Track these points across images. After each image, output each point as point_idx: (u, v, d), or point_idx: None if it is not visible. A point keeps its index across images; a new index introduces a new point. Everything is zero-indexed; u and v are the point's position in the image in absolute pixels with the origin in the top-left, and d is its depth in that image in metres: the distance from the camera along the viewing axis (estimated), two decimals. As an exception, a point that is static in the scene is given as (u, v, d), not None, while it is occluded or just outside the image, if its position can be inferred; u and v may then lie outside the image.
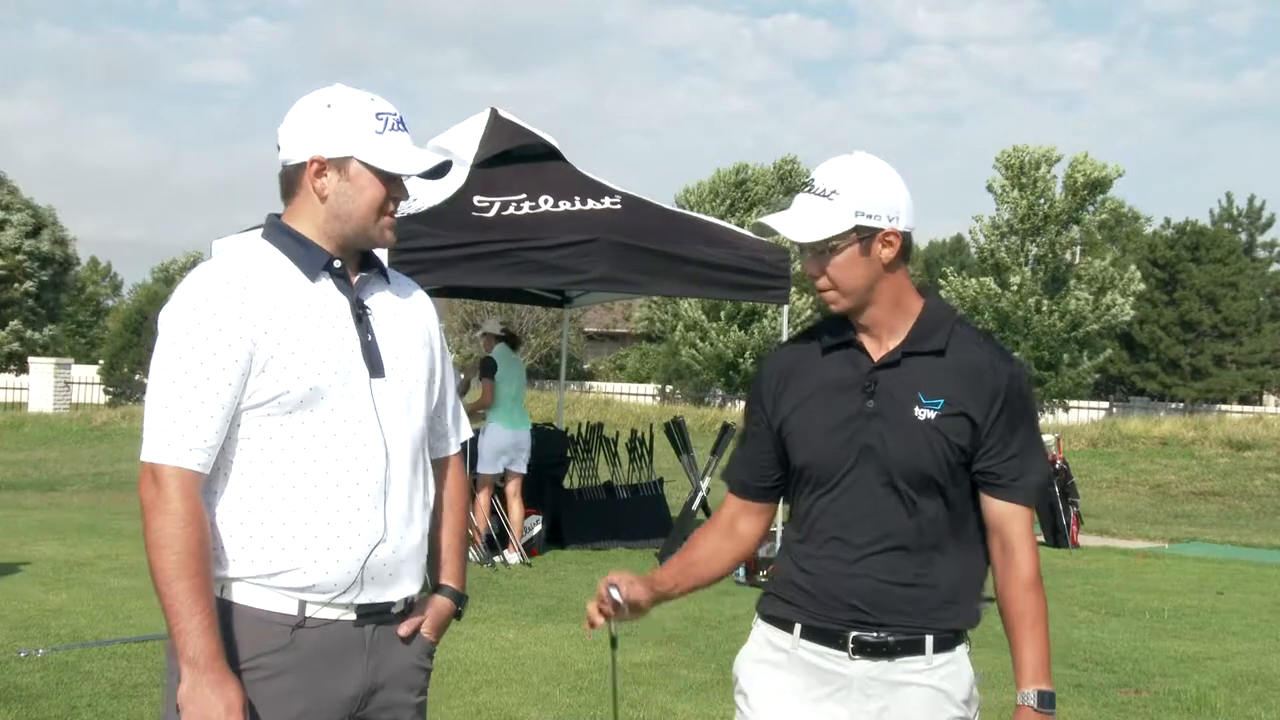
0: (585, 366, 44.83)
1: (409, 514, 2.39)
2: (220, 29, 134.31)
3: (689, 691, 6.18)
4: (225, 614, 2.25)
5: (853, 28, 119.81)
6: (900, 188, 2.40)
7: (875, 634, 2.37)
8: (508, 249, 9.17)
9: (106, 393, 36.21)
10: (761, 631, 2.52)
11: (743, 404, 2.63)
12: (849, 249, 2.36)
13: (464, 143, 10.03)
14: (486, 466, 10.37)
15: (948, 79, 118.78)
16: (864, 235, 2.35)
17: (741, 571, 9.46)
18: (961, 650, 2.43)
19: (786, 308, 11.42)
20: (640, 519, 11.76)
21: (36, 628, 7.20)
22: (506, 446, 10.42)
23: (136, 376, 35.18)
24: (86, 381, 35.90)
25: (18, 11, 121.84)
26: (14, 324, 44.31)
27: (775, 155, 52.81)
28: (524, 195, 9.65)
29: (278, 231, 2.39)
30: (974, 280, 34.95)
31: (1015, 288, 34.07)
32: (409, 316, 2.48)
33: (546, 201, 9.65)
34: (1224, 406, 37.84)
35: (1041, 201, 34.84)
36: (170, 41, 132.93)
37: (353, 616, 2.34)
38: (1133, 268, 35.97)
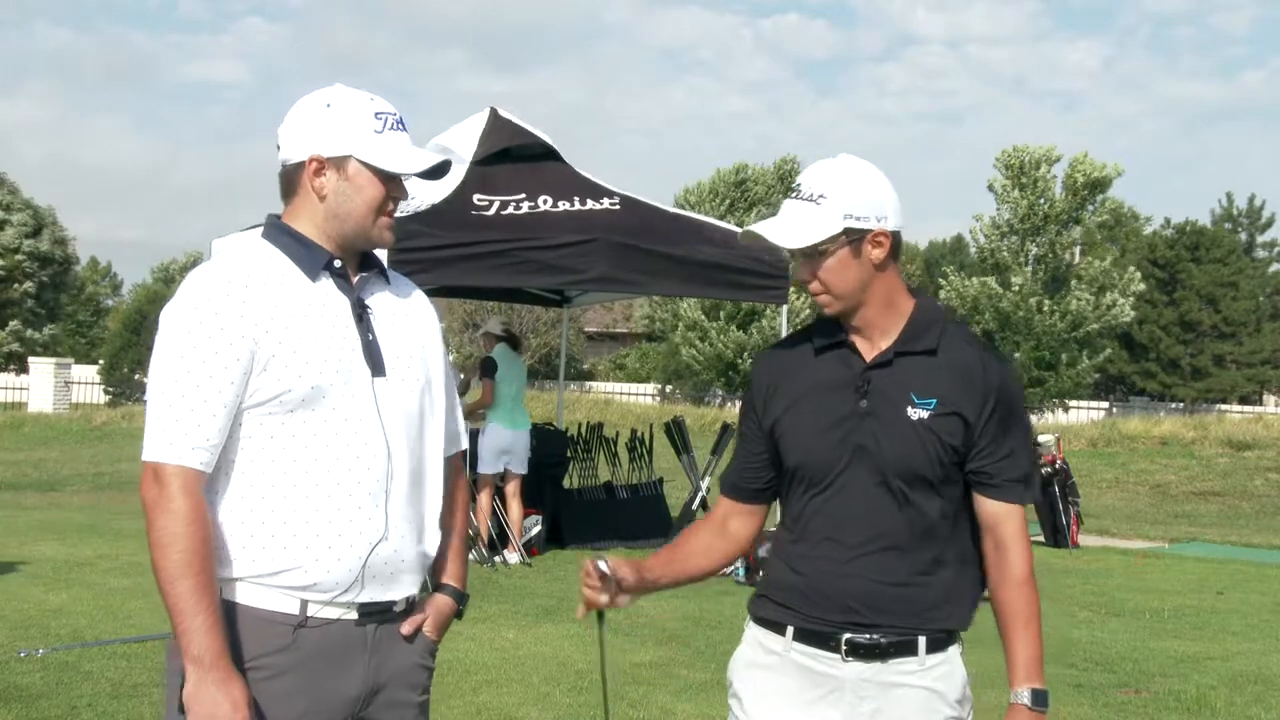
0: (585, 366, 44.83)
1: (410, 513, 2.39)
2: (220, 29, 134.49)
3: (689, 691, 6.18)
4: (227, 614, 2.25)
5: (853, 28, 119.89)
6: (887, 188, 2.40)
7: (868, 635, 2.37)
8: (507, 249, 9.17)
9: (106, 393, 36.21)
10: (754, 634, 2.52)
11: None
12: (840, 252, 2.36)
13: (463, 141, 10.03)
14: (486, 467, 10.37)
15: (948, 79, 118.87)
16: (854, 237, 2.35)
17: (742, 571, 9.47)
18: (954, 651, 2.43)
19: (785, 307, 11.43)
20: (640, 519, 11.76)
21: (36, 628, 7.20)
22: (506, 446, 10.42)
23: (136, 376, 35.17)
24: (86, 381, 35.89)
25: (18, 11, 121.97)
26: (14, 324, 44.32)
27: (775, 155, 52.86)
28: (523, 195, 9.66)
29: (278, 231, 2.39)
30: (975, 280, 34.97)
31: (1017, 288, 34.08)
32: (409, 317, 2.48)
33: (545, 202, 9.65)
34: (1224, 406, 37.83)
35: (1042, 201, 34.87)
36: (170, 41, 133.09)
37: (354, 616, 2.34)
38: (1132, 268, 35.99)
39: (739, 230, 10.92)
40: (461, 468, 2.66)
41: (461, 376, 10.77)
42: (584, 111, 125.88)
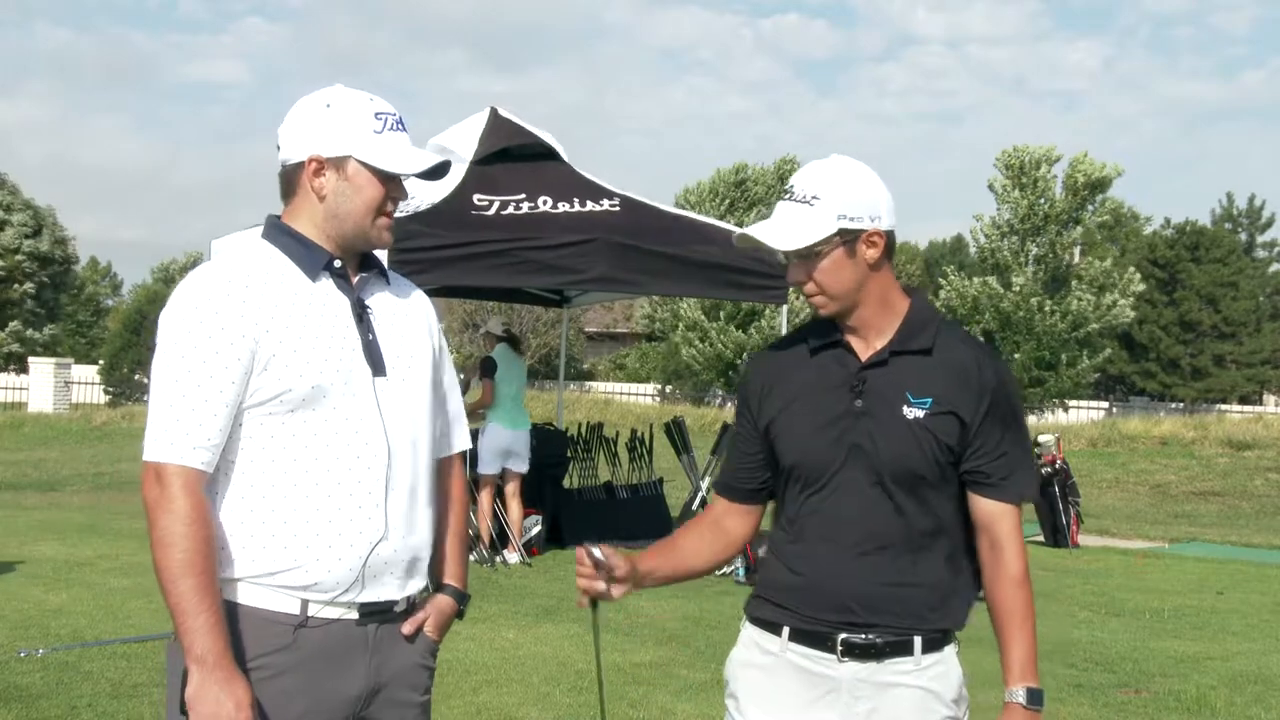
0: (585, 366, 44.84)
1: (411, 512, 2.39)
2: (220, 29, 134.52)
3: (689, 691, 6.18)
4: (228, 614, 2.25)
5: (853, 28, 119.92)
6: (879, 187, 2.40)
7: (864, 636, 2.37)
8: (506, 249, 9.17)
9: (106, 393, 36.20)
10: (750, 634, 2.51)
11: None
12: (834, 252, 2.36)
13: (463, 141, 10.03)
14: (486, 467, 10.36)
15: (948, 79, 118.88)
16: (848, 238, 2.36)
17: (742, 571, 9.47)
18: (950, 650, 2.43)
19: (785, 307, 11.43)
20: (640, 519, 11.76)
21: (36, 628, 7.20)
22: (506, 447, 10.42)
23: (136, 376, 35.17)
24: (86, 381, 35.89)
25: (18, 11, 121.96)
26: (14, 325, 44.32)
27: (775, 155, 52.82)
28: (523, 195, 9.66)
29: (278, 231, 2.39)
30: (977, 280, 34.97)
31: (1018, 288, 34.09)
32: (409, 317, 2.48)
33: (546, 202, 9.65)
34: (1224, 406, 37.83)
35: (1042, 201, 34.87)
36: (170, 41, 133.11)
37: (355, 615, 2.34)
38: (1132, 269, 36.00)
39: (737, 231, 10.92)
40: (462, 468, 2.66)
41: (461, 376, 10.76)
42: (584, 111, 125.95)
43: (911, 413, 2.35)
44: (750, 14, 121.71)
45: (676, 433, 12.14)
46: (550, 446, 11.64)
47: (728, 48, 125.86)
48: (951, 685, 2.41)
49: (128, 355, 36.82)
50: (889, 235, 2.40)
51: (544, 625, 7.78)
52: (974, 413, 2.36)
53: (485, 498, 10.39)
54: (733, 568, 9.81)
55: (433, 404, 2.48)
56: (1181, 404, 39.95)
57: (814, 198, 2.36)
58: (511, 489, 10.54)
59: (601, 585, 2.37)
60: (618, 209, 9.91)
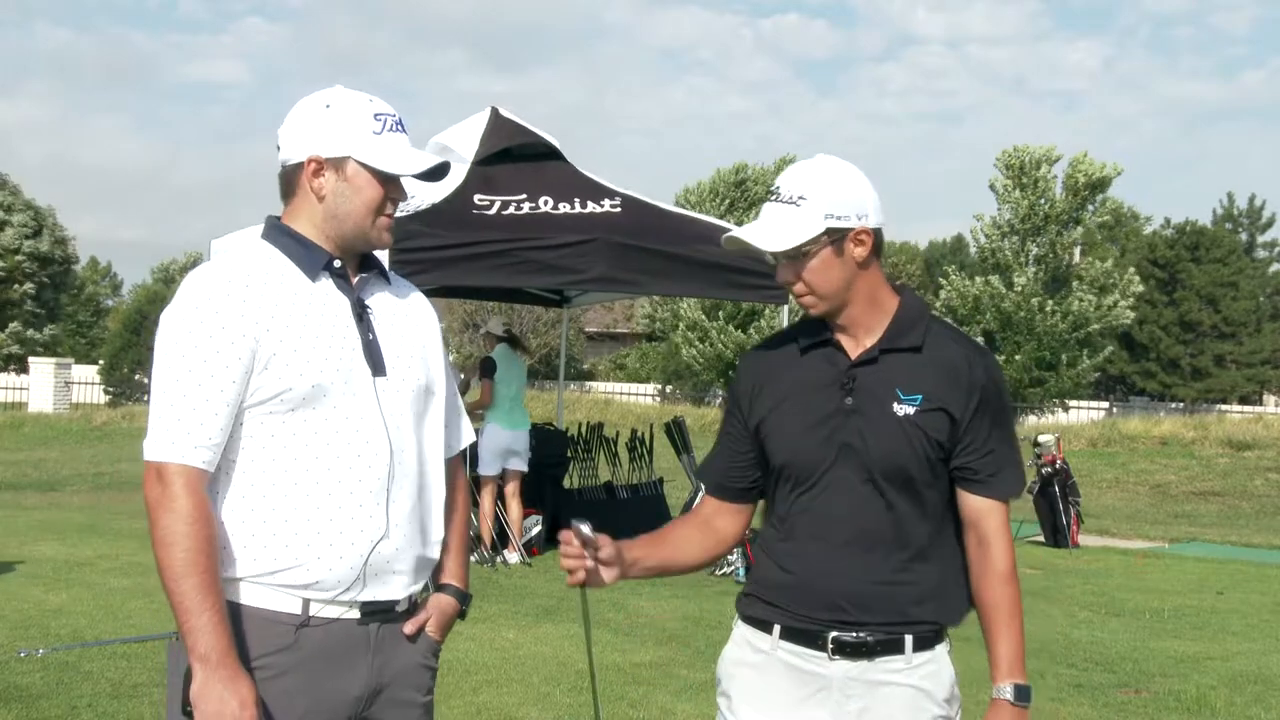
0: (585, 366, 44.84)
1: (412, 512, 2.39)
2: (220, 29, 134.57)
3: (689, 691, 6.18)
4: (230, 614, 2.24)
5: (853, 28, 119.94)
6: (866, 186, 2.40)
7: (854, 634, 2.37)
8: (507, 249, 9.17)
9: (106, 393, 36.20)
10: (741, 633, 2.51)
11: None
12: (822, 252, 2.36)
13: (464, 140, 10.02)
14: (487, 468, 10.36)
15: (948, 79, 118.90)
16: (835, 237, 2.36)
17: (741, 571, 9.48)
18: (942, 649, 2.43)
19: (786, 307, 11.43)
20: (640, 519, 11.66)
21: (36, 628, 7.20)
22: (505, 447, 10.42)
23: (137, 376, 35.18)
24: (86, 381, 35.88)
25: (18, 11, 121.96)
26: (14, 326, 44.32)
27: (775, 155, 52.78)
28: (524, 195, 9.65)
29: (277, 232, 2.40)
30: (979, 279, 34.97)
31: (1019, 288, 34.10)
32: (409, 317, 2.49)
33: (547, 203, 9.65)
34: (1224, 406, 37.84)
35: (1042, 201, 34.88)
36: (170, 41, 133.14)
37: (356, 615, 2.34)
38: (1131, 270, 36.02)
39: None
40: (463, 469, 2.66)
41: (461, 376, 10.77)
42: (584, 111, 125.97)
43: (902, 410, 2.36)
44: (750, 14, 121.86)
45: (677, 433, 12.15)
46: (550, 446, 11.64)
47: (728, 48, 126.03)
48: (943, 684, 2.41)
49: (128, 355, 36.84)
50: (877, 233, 2.40)
51: (544, 625, 7.79)
52: (964, 409, 2.36)
53: (487, 498, 10.39)
54: (732, 568, 9.82)
55: (433, 404, 2.48)
56: (1181, 404, 39.96)
57: (800, 198, 2.36)
58: (511, 489, 10.54)
59: (589, 564, 2.34)
60: (619, 209, 9.91)
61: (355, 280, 2.42)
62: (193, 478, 2.21)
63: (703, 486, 2.63)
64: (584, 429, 12.97)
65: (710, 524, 2.59)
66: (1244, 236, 49.52)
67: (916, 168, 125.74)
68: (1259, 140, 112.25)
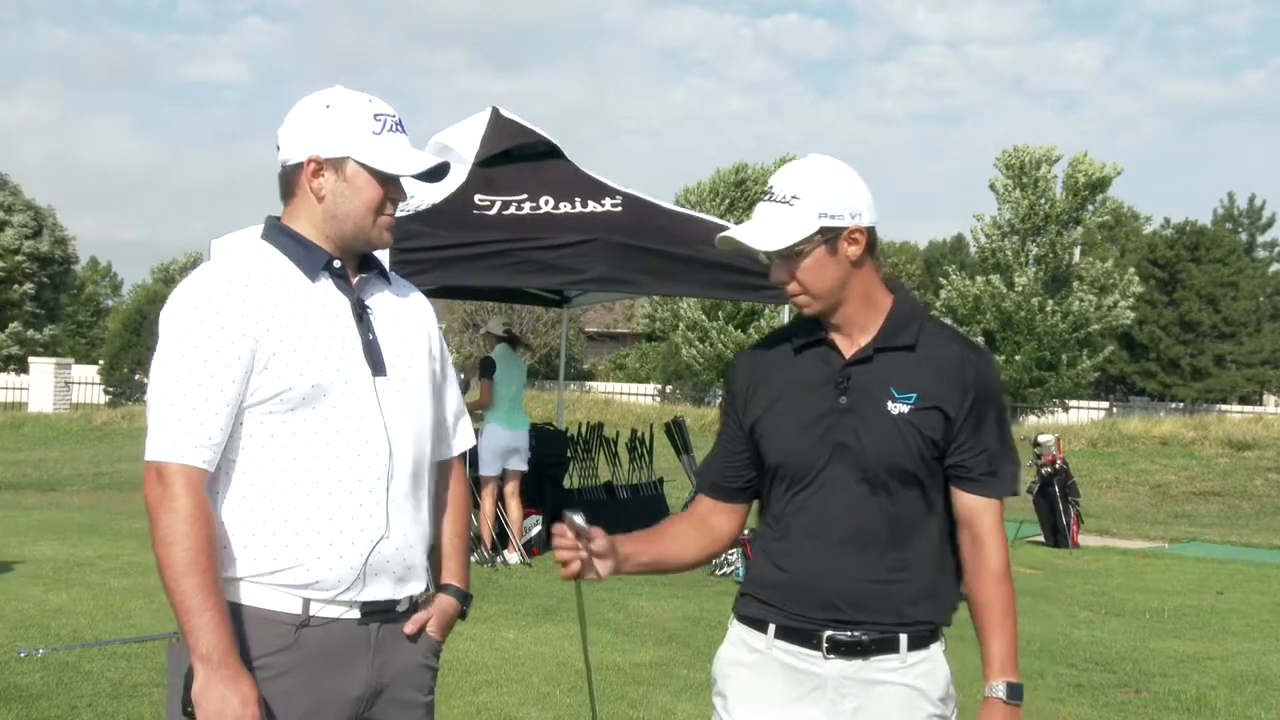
0: (585, 366, 44.85)
1: (412, 512, 2.39)
2: (220, 29, 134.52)
3: (689, 691, 6.18)
4: (230, 614, 2.24)
5: (853, 28, 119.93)
6: (859, 185, 2.41)
7: (849, 633, 2.37)
8: (507, 249, 9.17)
9: (106, 393, 36.20)
10: (737, 632, 2.51)
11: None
12: (816, 251, 2.37)
13: (465, 141, 10.02)
14: (487, 468, 10.36)
15: (948, 79, 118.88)
16: (829, 236, 2.36)
17: (741, 571, 9.47)
18: (936, 648, 2.43)
19: (786, 308, 11.42)
20: (640, 519, 11.52)
21: (36, 628, 7.20)
22: (505, 447, 10.42)
23: (136, 376, 35.16)
24: (86, 381, 35.89)
25: (18, 11, 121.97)
26: (14, 326, 44.32)
27: (775, 155, 52.77)
28: (525, 195, 9.65)
29: (277, 233, 2.40)
30: (980, 279, 34.98)
31: (1020, 288, 34.11)
32: (409, 317, 2.49)
33: (547, 203, 9.64)
34: (1224, 406, 37.85)
35: (1042, 201, 34.90)
36: (170, 41, 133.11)
37: (357, 615, 2.34)
38: (1131, 270, 36.03)
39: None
40: (463, 469, 2.66)
41: (461, 376, 10.77)
42: (584, 111, 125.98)
43: (896, 408, 2.36)
44: (750, 14, 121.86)
45: (676, 433, 12.15)
46: (550, 446, 11.64)
47: (728, 48, 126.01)
48: (938, 683, 2.41)
49: (128, 355, 36.83)
50: (870, 232, 2.41)
51: (544, 625, 7.79)
52: (958, 407, 2.36)
53: (487, 499, 10.39)
54: (732, 568, 9.82)
55: (433, 404, 2.48)
56: (1181, 404, 39.96)
57: (794, 197, 2.36)
58: (511, 489, 10.54)
59: (583, 554, 2.35)
60: (620, 208, 9.90)
61: (355, 280, 2.42)
62: (193, 477, 2.21)
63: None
64: (584, 429, 12.97)
65: (705, 522, 2.59)
66: (1244, 236, 49.52)
67: (916, 168, 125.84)
68: (1259, 140, 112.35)
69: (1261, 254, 50.25)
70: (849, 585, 2.37)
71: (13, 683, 5.91)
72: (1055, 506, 12.86)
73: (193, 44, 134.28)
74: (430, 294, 2.69)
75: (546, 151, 10.28)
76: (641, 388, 39.45)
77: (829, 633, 2.37)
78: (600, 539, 2.37)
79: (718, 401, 34.83)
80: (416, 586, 2.44)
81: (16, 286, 44.45)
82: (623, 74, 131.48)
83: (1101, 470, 20.63)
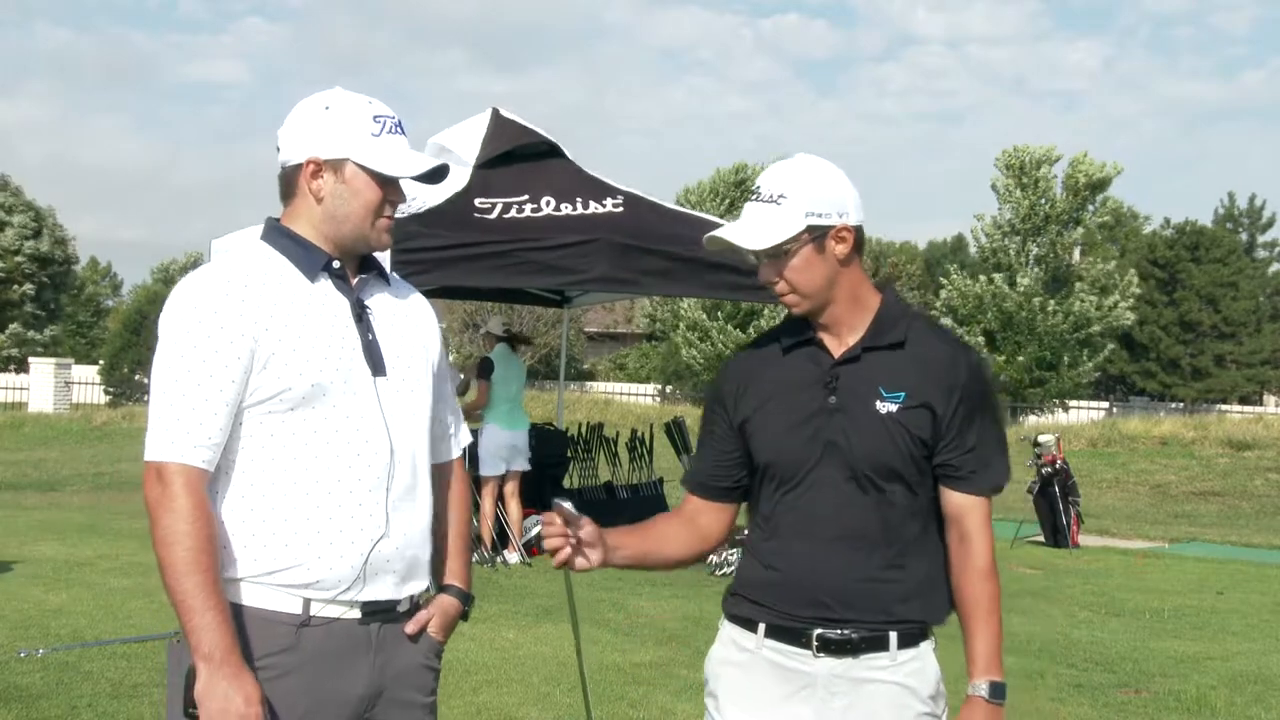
0: (585, 366, 44.85)
1: (412, 511, 2.39)
2: (220, 29, 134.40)
3: (689, 691, 6.18)
4: (231, 615, 2.25)
5: (853, 28, 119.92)
6: (846, 184, 2.41)
7: (839, 631, 2.37)
8: (507, 249, 9.16)
9: (107, 393, 36.20)
10: (728, 632, 2.52)
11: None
12: (803, 250, 2.37)
13: (465, 142, 10.01)
14: (487, 469, 10.36)
15: (948, 79, 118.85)
16: (816, 234, 2.37)
17: (741, 571, 9.47)
18: (926, 647, 2.43)
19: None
20: (640, 519, 11.66)
21: (36, 628, 7.20)
22: (504, 447, 10.42)
23: (137, 376, 35.17)
24: (87, 381, 35.88)
25: (18, 11, 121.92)
26: (14, 327, 44.32)
27: (775, 155, 52.81)
28: (526, 197, 9.65)
29: (276, 234, 2.40)
30: (982, 278, 34.97)
31: (1022, 288, 34.11)
32: (409, 318, 2.49)
33: (549, 204, 9.64)
34: (1224, 406, 37.85)
35: (1042, 201, 34.90)
36: (170, 41, 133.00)
37: (357, 614, 2.34)
38: (1132, 271, 36.04)
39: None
40: (464, 469, 2.66)
41: (461, 377, 10.78)
42: (584, 111, 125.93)
43: (885, 407, 2.36)
44: (750, 14, 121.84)
45: (677, 433, 12.15)
46: (550, 446, 11.64)
47: (728, 48, 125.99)
48: (928, 681, 2.41)
49: (128, 355, 36.83)
50: (857, 231, 2.41)
51: (544, 625, 7.79)
52: (946, 405, 2.36)
53: (488, 500, 10.39)
54: (732, 568, 9.80)
55: (433, 405, 2.48)
56: (1181, 404, 39.97)
57: (780, 196, 2.37)
58: (511, 489, 10.54)
59: (572, 542, 2.35)
60: (621, 207, 9.90)
61: (355, 281, 2.42)
62: (193, 477, 2.21)
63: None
64: (584, 429, 12.97)
65: (694, 521, 2.59)
66: (1244, 236, 49.54)
67: (916, 168, 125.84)
68: (1259, 140, 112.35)
69: (1261, 254, 50.27)
70: (838, 583, 2.37)
71: (13, 683, 5.91)
72: (1055, 506, 12.85)
73: (193, 44, 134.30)
74: (430, 294, 2.70)
75: (547, 151, 10.28)
76: (641, 388, 39.47)
77: (818, 631, 2.37)
78: (589, 527, 2.38)
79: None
80: (417, 586, 2.44)
81: (16, 287, 44.46)
82: (623, 74, 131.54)
83: (1101, 470, 20.63)
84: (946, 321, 34.78)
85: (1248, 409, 36.39)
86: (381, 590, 2.36)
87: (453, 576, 2.57)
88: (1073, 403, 34.89)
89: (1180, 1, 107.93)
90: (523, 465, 10.55)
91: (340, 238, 2.38)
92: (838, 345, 2.43)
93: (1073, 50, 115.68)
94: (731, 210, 38.38)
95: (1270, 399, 46.06)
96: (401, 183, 2.42)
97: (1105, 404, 38.64)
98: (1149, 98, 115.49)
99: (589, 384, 40.35)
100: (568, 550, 2.35)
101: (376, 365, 2.36)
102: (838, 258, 2.39)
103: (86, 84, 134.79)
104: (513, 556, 10.32)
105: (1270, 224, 50.34)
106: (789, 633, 2.40)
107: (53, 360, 33.04)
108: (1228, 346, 43.30)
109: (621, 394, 35.95)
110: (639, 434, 12.91)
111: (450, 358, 2.78)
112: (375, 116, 2.36)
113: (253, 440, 2.28)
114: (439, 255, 8.87)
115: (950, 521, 2.42)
